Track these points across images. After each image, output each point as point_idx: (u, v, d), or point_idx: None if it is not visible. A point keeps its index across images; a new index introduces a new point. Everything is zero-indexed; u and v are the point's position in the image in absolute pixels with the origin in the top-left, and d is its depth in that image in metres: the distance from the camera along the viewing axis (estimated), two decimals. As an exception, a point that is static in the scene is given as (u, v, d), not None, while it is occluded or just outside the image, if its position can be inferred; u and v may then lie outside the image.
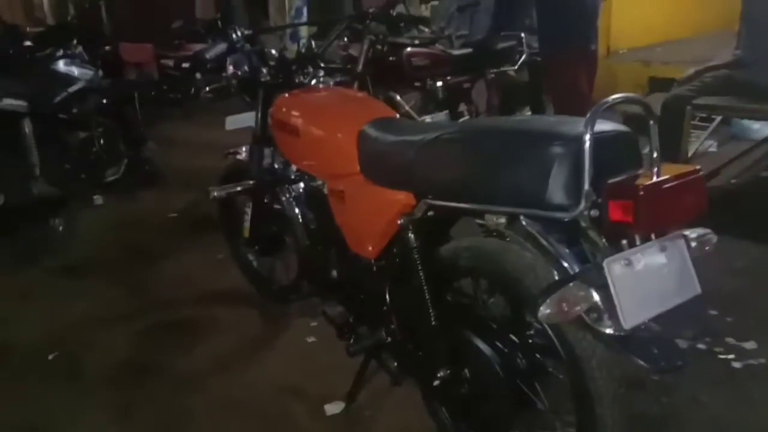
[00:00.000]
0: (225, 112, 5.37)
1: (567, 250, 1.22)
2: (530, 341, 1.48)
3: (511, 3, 4.40)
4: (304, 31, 5.05)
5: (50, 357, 2.43)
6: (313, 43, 2.55)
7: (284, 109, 2.05)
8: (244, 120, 2.42)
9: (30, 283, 3.08)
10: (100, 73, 4.20)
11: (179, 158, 5.03)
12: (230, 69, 2.19)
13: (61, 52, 3.86)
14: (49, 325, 2.68)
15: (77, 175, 3.70)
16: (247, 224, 2.50)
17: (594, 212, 1.12)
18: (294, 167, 2.19)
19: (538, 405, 1.48)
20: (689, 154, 4.41)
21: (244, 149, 2.53)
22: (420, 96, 4.08)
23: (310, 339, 2.46)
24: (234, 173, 2.54)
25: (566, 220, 1.16)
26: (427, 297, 1.52)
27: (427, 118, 3.71)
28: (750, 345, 2.31)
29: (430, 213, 1.52)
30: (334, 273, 2.00)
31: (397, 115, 1.87)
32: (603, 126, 1.20)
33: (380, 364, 1.90)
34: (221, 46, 1.94)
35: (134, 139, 4.31)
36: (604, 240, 1.14)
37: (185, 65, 6.41)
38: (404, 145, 1.51)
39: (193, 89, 6.20)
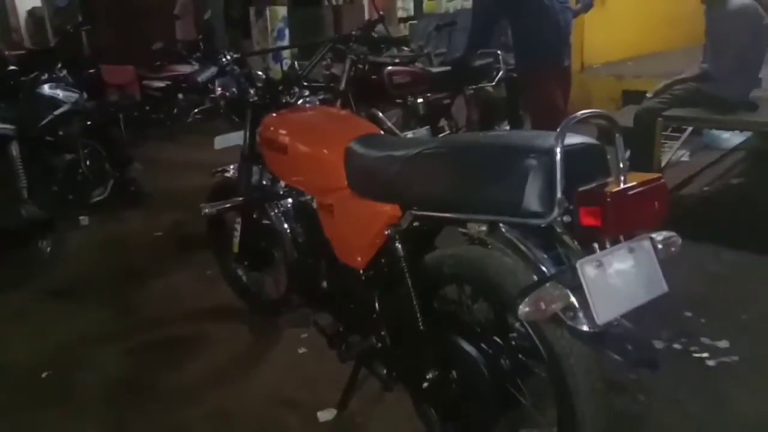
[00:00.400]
0: (207, 133, 5.42)
1: (544, 254, 1.31)
2: (513, 343, 1.56)
3: (487, 22, 4.54)
4: (286, 52, 5.16)
5: (43, 375, 2.46)
6: (296, 63, 2.65)
7: (272, 128, 2.14)
8: (232, 139, 2.49)
9: (20, 305, 3.10)
10: (85, 95, 4.25)
11: (163, 178, 5.08)
12: (218, 90, 2.27)
13: (46, 76, 3.90)
14: (41, 345, 2.70)
15: (64, 196, 3.73)
16: (236, 240, 2.56)
17: (566, 218, 1.21)
18: (282, 183, 2.27)
19: (523, 403, 1.56)
20: (662, 164, 4.57)
21: (231, 167, 2.60)
22: (401, 112, 4.18)
23: (301, 350, 2.52)
24: (222, 191, 2.61)
25: (542, 226, 1.26)
26: (415, 303, 1.60)
27: (409, 134, 3.82)
28: (723, 344, 2.42)
29: (416, 223, 1.60)
30: (324, 284, 2.07)
31: (381, 132, 1.96)
32: (573, 139, 1.30)
33: (370, 371, 1.97)
34: (212, 69, 2.01)
35: (119, 160, 4.35)
36: (576, 243, 1.23)
37: (167, 86, 6.48)
38: (389, 159, 1.60)
39: (175, 110, 6.25)
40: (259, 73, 2.19)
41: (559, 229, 1.25)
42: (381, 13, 3.75)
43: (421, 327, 1.60)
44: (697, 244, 3.35)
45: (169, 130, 6.37)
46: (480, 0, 4.18)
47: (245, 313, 2.83)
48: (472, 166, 1.38)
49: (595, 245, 1.25)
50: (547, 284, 1.18)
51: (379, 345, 1.76)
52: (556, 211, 1.21)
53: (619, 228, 1.21)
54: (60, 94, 3.91)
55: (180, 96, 6.38)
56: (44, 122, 3.65)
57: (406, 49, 4.93)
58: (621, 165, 1.28)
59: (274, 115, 2.18)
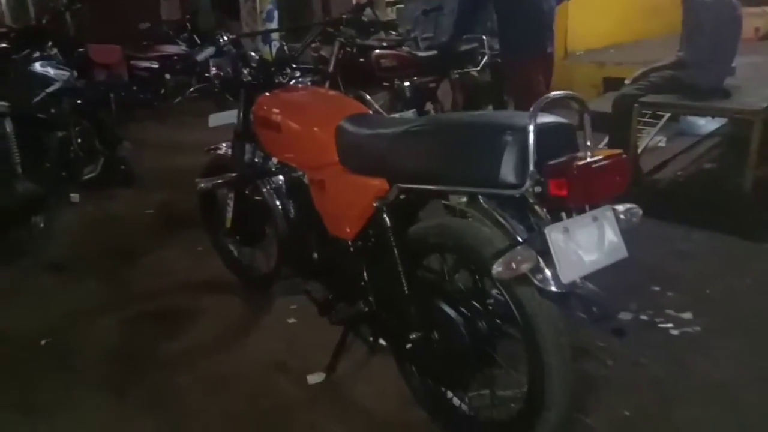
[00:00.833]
0: (194, 114, 5.50)
1: (517, 222, 1.44)
2: (491, 307, 1.70)
3: (473, 7, 4.64)
4: (275, 34, 5.23)
5: (43, 343, 2.56)
6: (285, 46, 2.74)
7: (266, 107, 2.24)
8: (226, 117, 2.58)
9: (16, 278, 3.18)
10: (75, 74, 4.29)
11: (152, 157, 5.16)
12: (213, 71, 2.36)
13: (37, 54, 3.95)
14: (39, 316, 2.80)
15: (57, 173, 3.80)
16: (229, 215, 2.68)
17: (537, 189, 1.35)
18: (275, 160, 2.38)
19: (498, 362, 1.71)
20: (640, 149, 4.74)
21: (224, 145, 2.70)
22: (388, 95, 4.29)
23: (291, 320, 2.64)
24: (216, 167, 2.71)
25: (517, 196, 1.39)
26: (400, 271, 1.73)
27: (396, 116, 3.93)
28: (687, 315, 2.59)
29: (402, 196, 1.73)
30: (315, 255, 2.19)
31: (370, 112, 2.08)
32: (545, 119, 1.43)
33: (358, 335, 2.11)
34: (210, 50, 2.10)
35: (109, 139, 4.41)
36: (546, 212, 1.37)
37: (154, 66, 6.51)
38: (378, 137, 1.72)
39: (163, 90, 6.29)
40: (254, 54, 2.28)
41: (531, 200, 1.39)
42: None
43: (406, 292, 1.74)
44: (670, 224, 3.53)
45: (157, 110, 6.42)
46: (466, -14, 4.28)
47: (237, 286, 2.94)
48: (454, 142, 1.51)
49: (563, 214, 1.39)
50: (518, 247, 1.32)
51: (366, 310, 1.90)
52: (528, 183, 1.34)
53: (583, 198, 1.35)
54: (51, 72, 3.96)
55: (167, 76, 6.42)
56: (36, 100, 3.70)
57: (393, 33, 5.03)
58: (588, 142, 1.42)
59: (268, 94, 2.28)
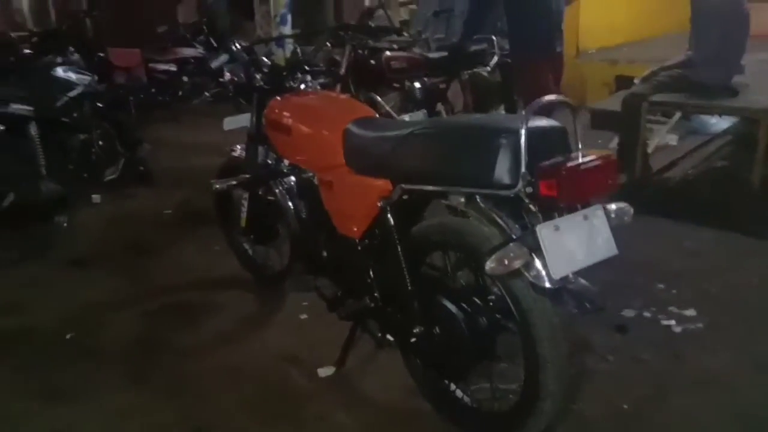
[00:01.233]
0: (211, 115, 5.62)
1: (512, 221, 1.52)
2: (491, 303, 1.78)
3: (483, 8, 4.70)
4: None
5: (67, 336, 2.69)
6: (298, 49, 2.83)
7: (277, 111, 2.34)
8: (240, 121, 2.68)
9: (41, 275, 3.31)
10: (96, 78, 4.43)
11: (171, 158, 5.28)
12: (227, 76, 2.47)
13: (59, 59, 4.09)
14: (63, 310, 2.92)
15: (79, 174, 3.93)
16: (243, 215, 2.78)
17: (529, 189, 1.42)
18: (286, 162, 2.47)
19: (497, 356, 1.79)
20: (651, 148, 4.77)
21: (239, 147, 2.81)
22: (399, 96, 4.37)
23: (303, 316, 2.74)
24: (231, 169, 2.81)
25: (511, 196, 1.47)
26: (404, 267, 1.82)
27: (406, 117, 4.01)
28: (690, 312, 2.64)
29: (405, 196, 1.81)
30: (324, 253, 2.29)
31: (377, 115, 2.17)
32: (538, 122, 1.50)
33: (365, 330, 2.20)
34: (223, 57, 2.20)
35: (129, 141, 4.55)
36: (538, 211, 1.44)
37: (172, 68, 6.65)
38: (382, 139, 1.81)
39: (180, 92, 6.43)
40: (266, 60, 2.38)
41: (525, 200, 1.46)
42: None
43: (409, 288, 1.82)
44: (677, 222, 3.57)
45: (175, 111, 6.56)
46: (476, -13, 4.34)
47: (251, 283, 3.05)
48: (452, 145, 1.59)
49: (555, 214, 1.46)
50: (511, 245, 1.39)
51: (372, 306, 1.98)
52: (520, 184, 1.42)
53: (572, 197, 1.43)
54: (73, 76, 4.10)
55: (185, 78, 6.56)
56: (59, 104, 3.84)
57: (405, 34, 5.12)
58: (579, 144, 1.49)
59: (279, 98, 2.37)
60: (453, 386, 1.95)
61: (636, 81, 4.27)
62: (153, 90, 6.39)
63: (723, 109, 4.06)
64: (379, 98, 4.08)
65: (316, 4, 7.58)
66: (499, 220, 1.53)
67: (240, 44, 2.33)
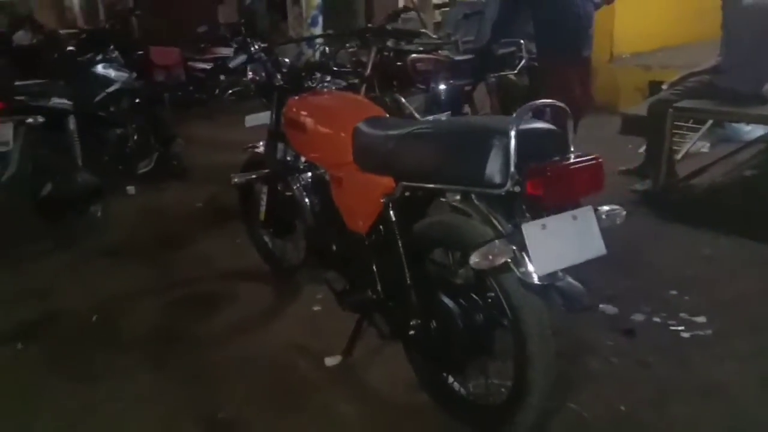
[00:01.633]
0: (245, 113, 5.78)
1: (505, 219, 1.57)
2: (486, 300, 1.83)
3: (512, 12, 4.71)
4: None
5: (93, 319, 2.84)
6: (327, 50, 2.91)
7: (294, 109, 2.43)
8: (261, 118, 2.79)
9: (73, 263, 3.50)
10: (134, 75, 4.63)
11: (203, 154, 5.46)
12: (250, 75, 2.58)
13: (100, 57, 4.29)
14: (91, 296, 3.08)
15: (114, 167, 4.13)
16: (263, 209, 2.89)
17: (517, 188, 1.47)
18: (303, 159, 2.57)
19: (492, 351, 1.83)
20: (680, 155, 4.72)
21: (261, 144, 2.91)
22: (424, 98, 4.42)
23: (316, 308, 2.83)
24: (252, 164, 2.93)
25: (502, 194, 1.52)
26: (404, 261, 1.88)
27: (429, 119, 4.07)
28: (701, 319, 2.63)
29: (407, 194, 1.88)
30: (334, 247, 2.37)
31: (387, 115, 2.24)
32: (533, 124, 1.55)
33: (371, 323, 2.26)
34: (242, 57, 2.31)
35: (164, 136, 4.73)
36: (526, 210, 1.49)
37: (209, 67, 6.85)
38: (385, 138, 1.88)
39: (217, 90, 6.62)
40: (286, 60, 2.48)
41: (515, 198, 1.51)
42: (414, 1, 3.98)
43: (408, 282, 1.88)
44: (699, 229, 3.54)
45: (210, 109, 6.76)
46: (504, -10, 4.37)
47: (269, 276, 3.16)
48: (447, 144, 1.65)
49: (545, 213, 1.51)
50: (496, 241, 1.45)
51: (374, 298, 2.05)
52: (508, 183, 1.47)
53: (557, 197, 1.47)
54: (112, 73, 4.30)
55: (222, 77, 6.75)
56: (98, 99, 4.04)
57: (434, 36, 5.16)
58: (571, 147, 1.53)
59: (296, 98, 2.47)
60: (451, 379, 2.01)
61: (664, 87, 4.24)
62: (191, 88, 6.60)
63: (753, 118, 3.99)
64: (403, 100, 4.13)
65: (347, 6, 7.68)
66: (492, 218, 1.58)
67: (259, 45, 2.44)
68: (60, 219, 3.79)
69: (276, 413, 2.17)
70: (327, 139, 2.22)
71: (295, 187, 2.63)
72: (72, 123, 3.73)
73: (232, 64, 2.41)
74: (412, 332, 1.92)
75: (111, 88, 4.19)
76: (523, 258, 1.45)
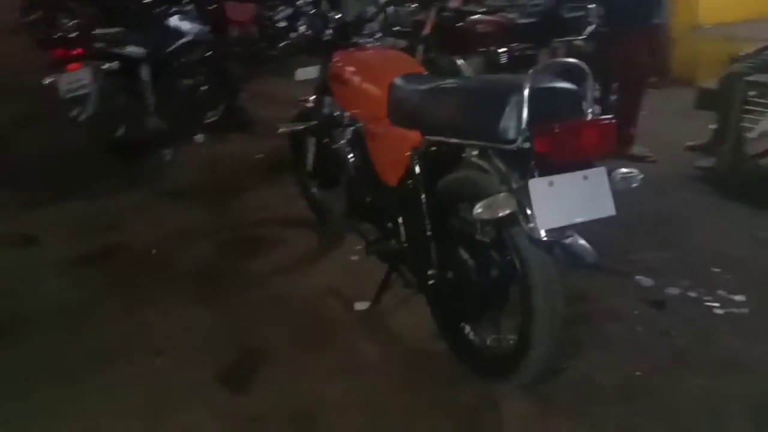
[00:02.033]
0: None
1: (516, 174, 1.61)
2: (504, 255, 1.88)
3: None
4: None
5: (153, 252, 3.10)
6: (393, 8, 2.93)
7: (339, 65, 2.52)
8: (311, 72, 2.90)
9: (141, 200, 3.79)
10: (207, 28, 4.83)
11: (269, 108, 5.63)
12: (300, 29, 2.68)
13: (174, 9, 4.51)
14: (153, 232, 3.35)
15: (182, 115, 4.36)
16: (310, 160, 3.03)
17: (526, 145, 1.51)
18: (346, 113, 2.66)
19: (506, 304, 1.90)
20: (755, 133, 4.46)
21: (312, 97, 3.03)
22: (483, 61, 4.38)
23: (354, 258, 2.96)
24: (303, 116, 3.05)
25: (514, 149, 1.56)
26: (425, 213, 1.96)
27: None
28: (739, 298, 2.56)
29: (433, 148, 1.94)
30: (369, 199, 2.47)
31: (423, 71, 2.29)
32: (551, 83, 1.57)
33: (397, 272, 2.37)
34: (288, 10, 2.39)
35: (231, 89, 4.94)
36: (534, 165, 1.53)
37: (283, 24, 7.00)
38: (414, 93, 1.94)
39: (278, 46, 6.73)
40: (335, 15, 2.55)
41: (528, 155, 1.55)
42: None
43: (429, 234, 1.97)
44: (757, 211, 3.40)
45: (280, 65, 6.92)
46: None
47: (314, 225, 3.31)
48: (467, 100, 1.70)
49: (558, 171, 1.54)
50: (501, 194, 1.50)
51: (398, 247, 2.15)
52: (519, 139, 1.51)
53: (564, 154, 1.50)
54: (186, 25, 4.52)
55: (293, 34, 6.89)
56: (170, 49, 4.27)
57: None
58: (589, 108, 1.55)
59: (341, 53, 2.55)
60: (467, 330, 2.09)
61: (737, 58, 4.01)
62: (263, 44, 6.79)
63: (831, 95, 3.72)
64: (460, 62, 4.13)
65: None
66: (504, 173, 1.62)
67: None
68: (133, 160, 4.09)
69: (302, 348, 2.33)
70: (365, 93, 2.31)
71: (337, 140, 2.73)
72: (145, 71, 3.98)
73: (277, 17, 2.50)
74: (431, 282, 2.01)
75: (183, 40, 4.41)
76: (527, 212, 1.49)
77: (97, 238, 3.26)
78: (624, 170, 1.61)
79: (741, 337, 2.32)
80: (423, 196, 1.97)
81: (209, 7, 5.35)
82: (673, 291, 2.63)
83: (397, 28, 4.28)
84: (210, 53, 4.81)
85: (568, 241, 1.57)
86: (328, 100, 2.79)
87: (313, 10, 2.68)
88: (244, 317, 2.56)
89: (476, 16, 4.25)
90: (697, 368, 2.15)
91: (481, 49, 4.35)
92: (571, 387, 2.07)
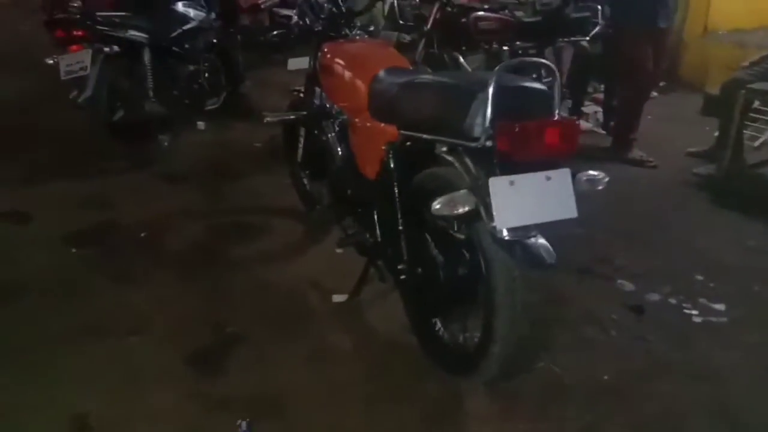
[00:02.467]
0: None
1: (483, 172, 1.61)
2: (472, 253, 1.88)
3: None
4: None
5: (142, 235, 3.14)
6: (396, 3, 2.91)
7: (327, 55, 2.53)
8: (302, 62, 2.91)
9: (135, 184, 3.81)
10: (213, 15, 4.84)
11: (273, 98, 5.65)
12: (294, 18, 2.69)
13: (181, -5, 4.53)
14: (145, 213, 3.38)
15: (182, 100, 4.38)
16: (300, 150, 3.04)
17: (489, 143, 1.51)
18: (333, 104, 2.67)
19: (473, 302, 1.90)
20: (758, 142, 4.41)
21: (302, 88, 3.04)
22: (484, 59, 4.37)
23: (339, 250, 2.96)
24: (295, 106, 3.07)
25: (479, 147, 1.56)
26: (398, 208, 1.97)
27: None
28: (719, 306, 2.56)
29: (408, 143, 1.95)
30: (350, 192, 2.48)
31: (409, 66, 2.29)
32: (520, 83, 1.57)
33: (374, 267, 2.38)
34: (275, -1, 2.41)
35: (235, 77, 4.96)
36: (497, 164, 1.53)
37: (292, 14, 7.01)
38: (392, 87, 1.95)
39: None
40: (326, 5, 2.55)
41: (490, 152, 1.55)
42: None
43: (401, 228, 1.97)
44: (750, 220, 3.38)
45: (286, 55, 6.94)
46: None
47: (304, 215, 3.33)
48: (437, 96, 1.71)
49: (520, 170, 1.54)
50: (460, 191, 1.51)
51: (372, 241, 2.16)
52: (482, 138, 1.51)
53: (525, 154, 1.49)
54: (190, 12, 4.53)
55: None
56: (174, 35, 4.29)
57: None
58: (556, 109, 1.55)
59: (330, 44, 2.56)
60: (438, 326, 2.10)
61: (742, 65, 3.97)
62: (273, 33, 6.79)
63: (833, 106, 3.67)
64: (461, 59, 4.12)
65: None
66: (469, 171, 1.62)
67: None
68: (132, 143, 4.12)
69: (277, 334, 2.35)
70: (349, 85, 2.31)
71: (325, 132, 2.74)
72: (147, 55, 4.00)
73: (264, 5, 2.51)
74: (402, 276, 2.02)
75: (188, 26, 4.42)
76: (486, 210, 1.50)
77: (88, 217, 3.30)
78: (590, 173, 1.60)
79: (716, 346, 2.31)
80: (396, 190, 1.97)
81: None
82: (653, 297, 2.63)
83: (401, 22, 4.27)
84: (215, 41, 4.83)
85: (528, 241, 1.56)
86: (318, 90, 2.80)
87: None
88: (224, 301, 2.59)
89: (480, 13, 4.22)
90: (668, 375, 2.15)
91: (483, 46, 4.34)
92: (537, 387, 2.07)
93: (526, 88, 1.58)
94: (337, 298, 2.55)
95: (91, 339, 2.29)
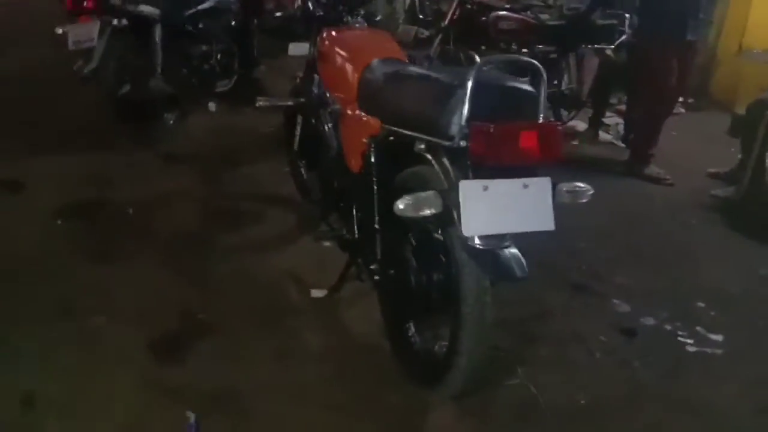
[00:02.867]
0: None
1: (457, 172, 1.50)
2: (444, 259, 1.78)
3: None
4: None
5: (129, 211, 3.09)
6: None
7: (325, 43, 2.43)
8: (302, 48, 2.83)
9: (135, 161, 3.76)
10: (234, -2, 4.76)
11: (285, 84, 5.60)
12: (298, 2, 2.60)
13: (201, -26, 4.47)
14: (138, 192, 3.33)
15: (190, 80, 4.34)
16: (297, 139, 2.96)
17: (463, 143, 1.40)
18: (329, 93, 2.57)
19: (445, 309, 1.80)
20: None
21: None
22: (502, 59, 4.23)
23: (327, 244, 2.86)
24: (296, 92, 2.98)
25: (454, 147, 1.46)
26: (375, 205, 1.87)
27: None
28: (716, 337, 2.41)
29: (391, 138, 1.85)
30: (336, 184, 2.39)
31: (406, 58, 2.18)
32: (504, 82, 1.46)
33: (355, 265, 2.29)
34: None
35: (249, 61, 4.89)
36: (470, 166, 1.42)
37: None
38: (379, 78, 1.85)
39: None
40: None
41: (464, 153, 1.45)
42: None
43: (377, 227, 1.88)
44: (765, 248, 3.20)
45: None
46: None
47: (298, 205, 3.25)
48: (417, 90, 1.61)
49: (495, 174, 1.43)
50: (427, 192, 1.40)
51: (348, 237, 2.07)
52: (457, 137, 1.41)
53: (499, 157, 1.38)
54: (209, -8, 4.48)
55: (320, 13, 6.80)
56: (188, 13, 4.24)
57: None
58: (541, 111, 1.43)
59: (328, 31, 2.46)
60: (411, 331, 2.00)
61: (769, 87, 3.79)
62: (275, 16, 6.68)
63: None
64: (478, 58, 3.99)
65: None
66: (444, 171, 1.52)
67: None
68: (137, 120, 4.08)
69: (248, 326, 2.27)
70: (342, 74, 2.22)
71: (319, 121, 2.65)
72: (158, 32, 3.95)
73: None
74: (376, 276, 1.93)
75: (203, 5, 4.37)
76: (453, 215, 1.39)
77: (81, 191, 3.27)
78: (574, 184, 1.48)
79: (707, 378, 2.18)
80: (375, 187, 1.88)
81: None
82: (648, 321, 2.49)
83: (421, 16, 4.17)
84: (233, 23, 4.76)
85: (500, 251, 1.46)
86: (317, 78, 2.71)
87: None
88: (202, 286, 2.52)
89: (501, 12, 4.09)
90: (651, 404, 2.02)
91: (502, 47, 4.21)
92: (510, 405, 1.97)
93: (509, 87, 1.47)
94: (316, 293, 2.46)
95: (56, 316, 2.23)
